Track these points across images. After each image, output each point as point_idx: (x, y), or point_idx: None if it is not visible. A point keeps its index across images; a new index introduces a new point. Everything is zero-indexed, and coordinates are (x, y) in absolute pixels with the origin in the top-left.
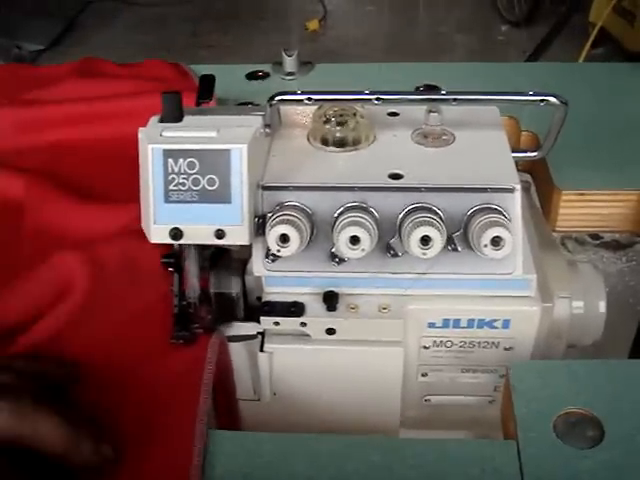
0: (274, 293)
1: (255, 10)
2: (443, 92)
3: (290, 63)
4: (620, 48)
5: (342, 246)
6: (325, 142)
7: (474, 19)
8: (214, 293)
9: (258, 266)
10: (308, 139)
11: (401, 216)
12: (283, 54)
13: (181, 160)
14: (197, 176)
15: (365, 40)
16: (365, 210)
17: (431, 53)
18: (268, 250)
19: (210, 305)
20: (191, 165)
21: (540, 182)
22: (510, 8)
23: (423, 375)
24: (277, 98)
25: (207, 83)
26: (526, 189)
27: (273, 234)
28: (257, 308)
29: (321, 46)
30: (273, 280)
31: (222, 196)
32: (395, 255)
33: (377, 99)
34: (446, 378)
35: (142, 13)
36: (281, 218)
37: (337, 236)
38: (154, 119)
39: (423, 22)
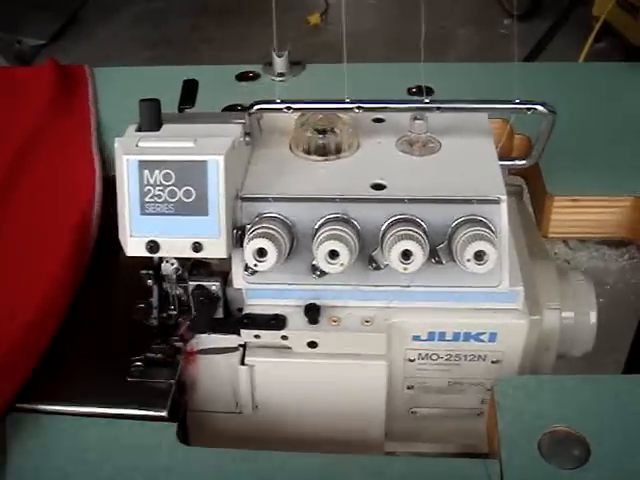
0: (255, 305)
1: (255, 4)
2: (427, 100)
3: (280, 64)
4: (623, 42)
5: (321, 260)
6: (307, 151)
7: (477, 13)
8: (195, 301)
9: (238, 279)
10: (290, 147)
11: (383, 228)
12: (273, 54)
13: (157, 171)
14: (173, 188)
15: (367, 34)
16: (346, 222)
17: (433, 47)
18: (247, 263)
19: (190, 316)
20: (167, 176)
21: (533, 187)
22: (513, 1)
23: (409, 388)
24: (256, 107)
25: (189, 88)
26: (519, 194)
27: (250, 248)
28: (238, 320)
29: (322, 40)
30: (254, 292)
31: (199, 208)
32: (377, 268)
33: (358, 107)
34: (432, 391)
35: (143, 7)
36: (259, 231)
37: (316, 249)
38: (131, 128)
39: (425, 16)
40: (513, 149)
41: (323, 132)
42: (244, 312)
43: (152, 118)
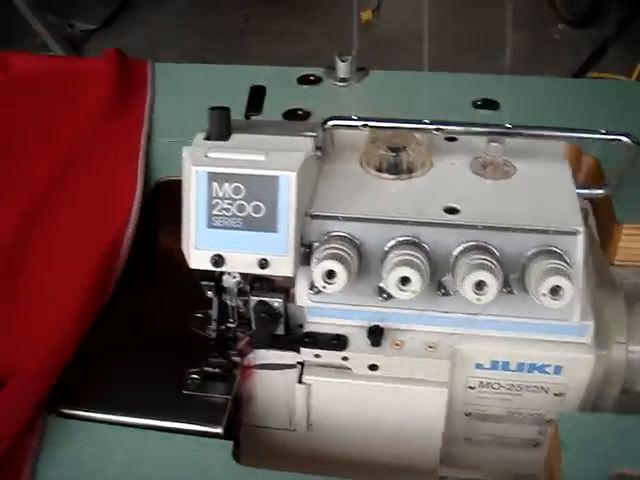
0: (316, 323)
1: None
2: (509, 125)
3: (343, 69)
4: None
5: (391, 286)
6: (378, 168)
7: (531, 16)
8: (256, 317)
9: (301, 296)
10: (360, 163)
11: (455, 254)
12: (336, 59)
13: (226, 184)
14: (242, 202)
15: (419, 33)
16: (417, 246)
17: (486, 49)
18: (313, 282)
19: (249, 331)
20: (237, 190)
21: (600, 212)
22: (568, 6)
23: (467, 414)
24: (331, 123)
25: (257, 95)
26: (584, 218)
27: (320, 269)
28: (299, 338)
29: (374, 37)
30: (316, 311)
31: (268, 224)
32: (446, 294)
33: (437, 129)
34: (490, 419)
35: None
36: (328, 252)
37: (387, 275)
38: (199, 136)
39: (478, 17)
40: (581, 171)
41: (396, 150)
42: (305, 330)
43: (222, 127)
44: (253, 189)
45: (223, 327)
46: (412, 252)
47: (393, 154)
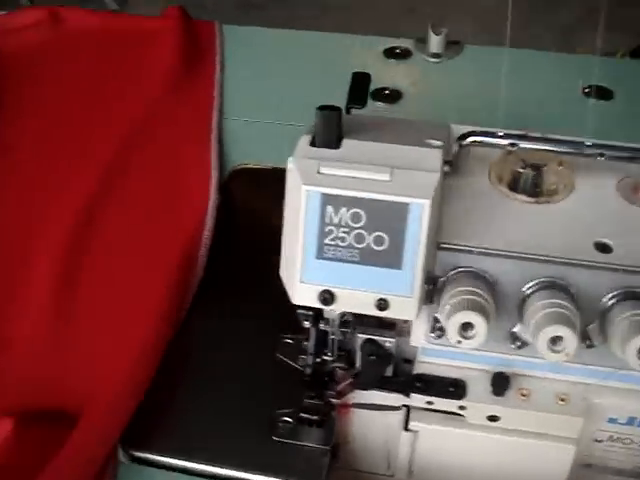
0: (429, 364)
1: None
2: None
3: (436, 42)
4: None
5: (542, 347)
6: (512, 187)
7: None
8: (363, 357)
9: (418, 337)
10: (489, 177)
11: (607, 302)
12: (429, 31)
13: (343, 209)
14: (361, 231)
15: None
16: (564, 291)
17: (573, 14)
18: (436, 322)
19: (351, 367)
20: (356, 217)
21: None
22: None
23: (586, 466)
24: (470, 139)
25: (361, 84)
26: None
27: (454, 322)
28: (409, 381)
29: None
30: (432, 352)
31: (390, 259)
32: (591, 345)
33: (601, 155)
34: (610, 471)
35: None
36: (464, 299)
37: (535, 333)
38: (304, 140)
39: None
40: None
41: (537, 168)
42: (415, 369)
43: (332, 133)
44: (376, 217)
45: (319, 360)
46: (563, 303)
47: (534, 172)
